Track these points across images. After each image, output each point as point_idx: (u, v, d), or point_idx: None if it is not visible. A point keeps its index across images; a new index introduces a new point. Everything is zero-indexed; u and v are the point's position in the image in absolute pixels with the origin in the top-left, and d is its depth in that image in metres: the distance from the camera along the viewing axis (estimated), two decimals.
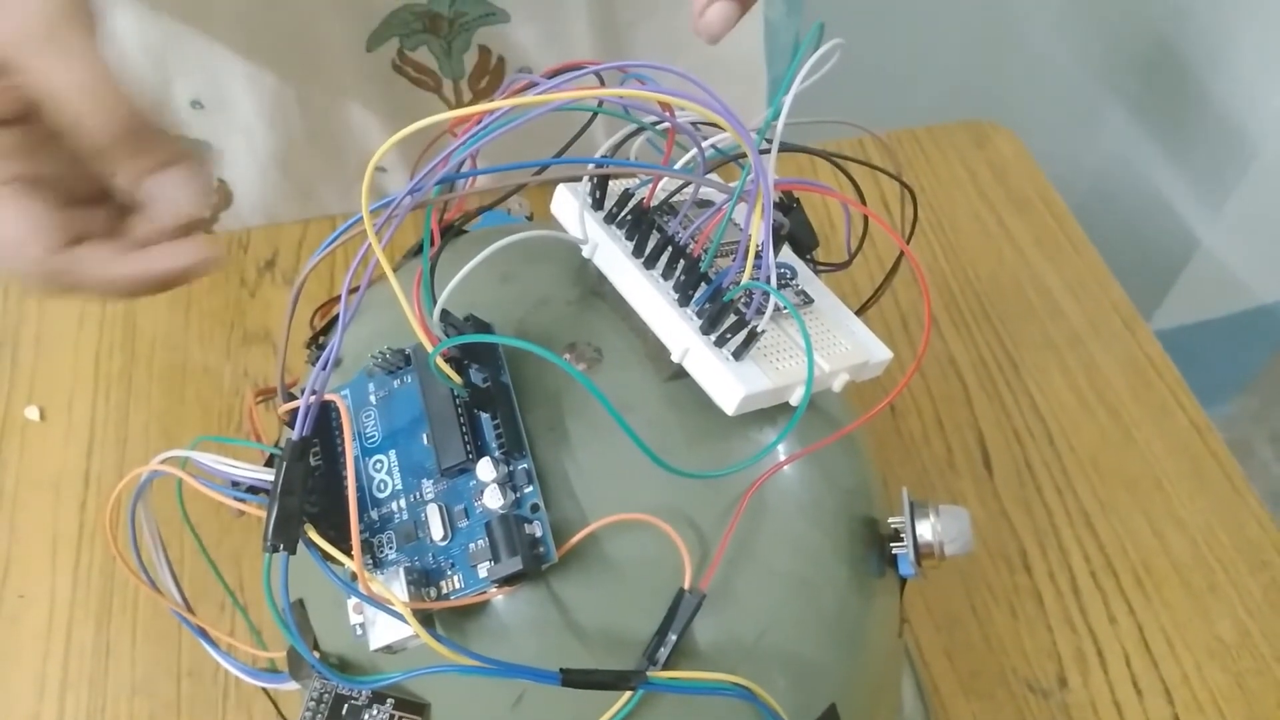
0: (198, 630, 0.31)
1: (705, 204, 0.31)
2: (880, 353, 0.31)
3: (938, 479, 0.49)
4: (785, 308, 0.28)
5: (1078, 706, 0.43)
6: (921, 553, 0.30)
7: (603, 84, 0.26)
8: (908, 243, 0.29)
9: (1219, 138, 1.09)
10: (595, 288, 0.31)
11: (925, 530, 0.30)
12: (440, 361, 0.25)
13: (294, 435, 0.24)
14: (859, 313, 0.33)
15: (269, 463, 0.27)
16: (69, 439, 0.50)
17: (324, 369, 0.24)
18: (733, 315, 0.27)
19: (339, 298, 0.41)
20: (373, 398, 0.29)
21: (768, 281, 0.26)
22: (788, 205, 0.33)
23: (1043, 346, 0.53)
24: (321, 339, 0.36)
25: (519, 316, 0.30)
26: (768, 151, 0.26)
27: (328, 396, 0.25)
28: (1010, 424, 0.51)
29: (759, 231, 0.26)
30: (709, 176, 0.27)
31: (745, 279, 0.27)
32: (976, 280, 0.56)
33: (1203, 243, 1.15)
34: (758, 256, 0.27)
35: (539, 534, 0.26)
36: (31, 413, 0.51)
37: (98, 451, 0.50)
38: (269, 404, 0.50)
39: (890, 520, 0.32)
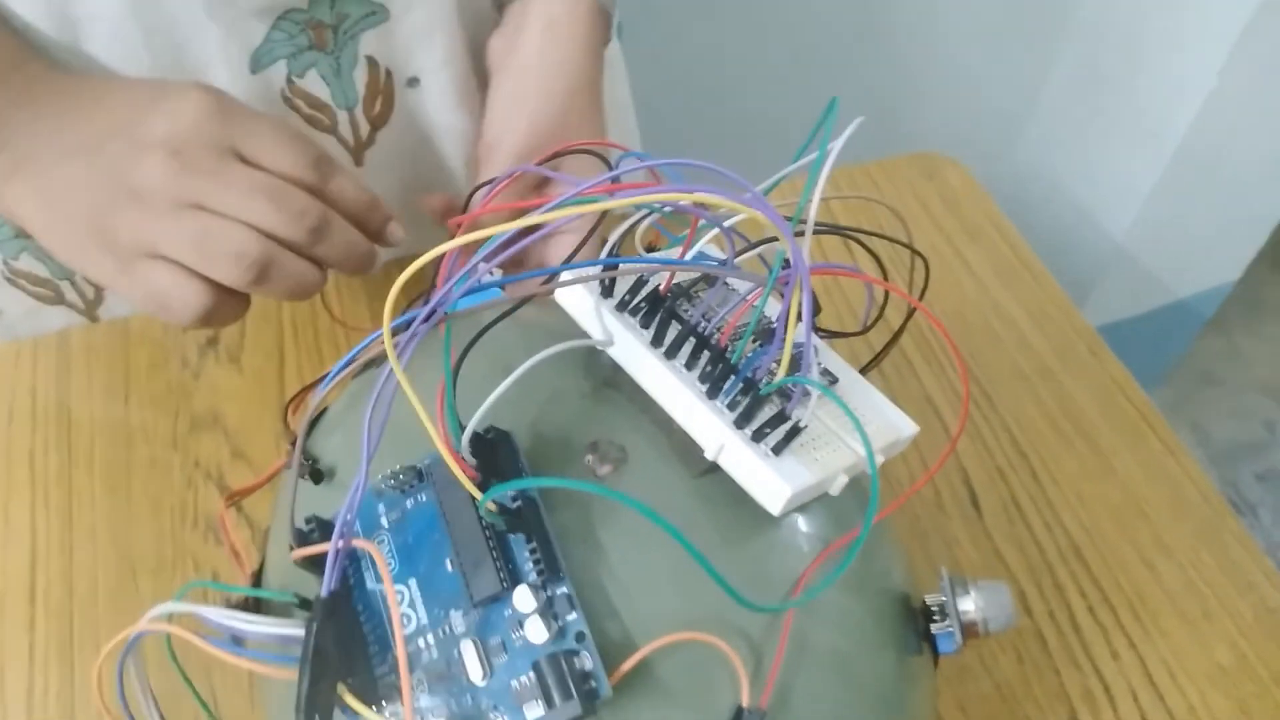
0: None
1: (710, 282, 0.30)
2: (907, 428, 0.30)
3: (929, 523, 0.48)
4: (833, 402, 0.26)
5: None
6: (966, 632, 0.29)
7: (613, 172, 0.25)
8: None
9: (1132, 144, 1.13)
10: (609, 379, 0.29)
11: (969, 607, 0.29)
12: (466, 481, 0.23)
13: (322, 590, 0.22)
14: (863, 372, 0.33)
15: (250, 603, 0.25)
16: (7, 551, 0.46)
17: (350, 514, 0.22)
18: (769, 408, 0.26)
19: (314, 385, 0.39)
20: (384, 520, 0.27)
21: (806, 373, 0.25)
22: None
23: (1014, 378, 0.53)
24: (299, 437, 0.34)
25: (532, 416, 0.29)
26: (801, 234, 0.25)
27: (358, 544, 0.23)
28: (993, 460, 0.50)
29: (797, 322, 0.24)
30: (739, 267, 0.26)
31: (782, 373, 0.25)
32: (943, 316, 0.56)
33: (1122, 246, 1.19)
34: (795, 346, 0.25)
35: (589, 666, 0.24)
36: None
37: (42, 563, 0.46)
38: (238, 508, 0.47)
39: (927, 598, 0.31)
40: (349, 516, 0.22)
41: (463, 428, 0.24)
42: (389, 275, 0.57)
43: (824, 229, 0.27)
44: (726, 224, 0.25)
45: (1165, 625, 0.46)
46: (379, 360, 0.34)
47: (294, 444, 0.34)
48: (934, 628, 0.30)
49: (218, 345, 0.54)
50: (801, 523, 0.28)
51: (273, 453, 0.49)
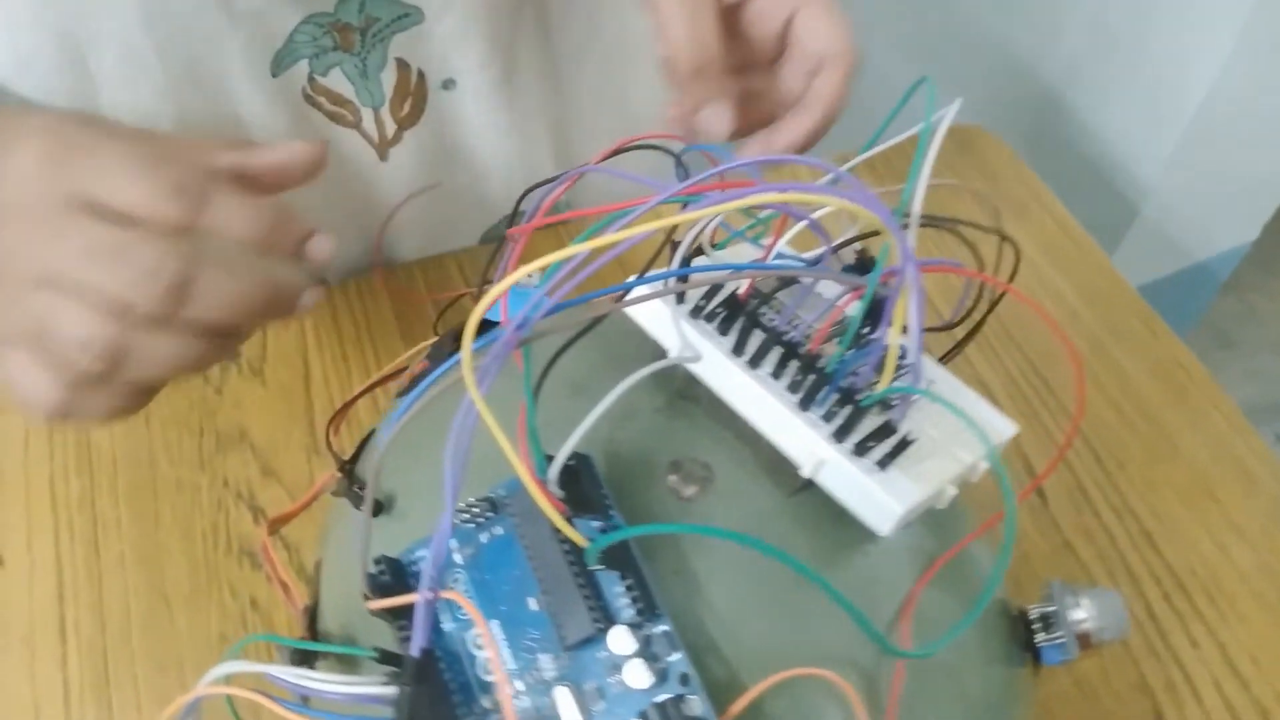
0: None
1: (786, 284, 0.27)
2: (1008, 429, 0.28)
3: (972, 514, 0.46)
4: (932, 408, 0.24)
5: None
6: (1080, 644, 0.28)
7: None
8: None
9: (1150, 108, 1.10)
10: (684, 391, 0.27)
11: (1081, 616, 0.28)
12: (563, 525, 0.21)
13: (413, 648, 0.20)
14: (943, 360, 0.31)
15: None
16: (34, 584, 0.44)
17: (436, 562, 0.20)
18: (869, 419, 0.24)
19: (350, 403, 0.37)
20: (458, 556, 0.25)
21: (916, 381, 0.23)
22: (865, 263, 0.29)
23: (1069, 358, 0.51)
24: (352, 466, 0.32)
25: (606, 434, 0.26)
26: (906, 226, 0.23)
27: (448, 596, 0.21)
28: (1055, 447, 0.48)
29: (906, 327, 0.22)
30: (831, 269, 0.23)
31: (886, 380, 0.23)
32: (991, 295, 0.53)
33: (1141, 211, 1.16)
34: (898, 354, 0.23)
35: (698, 712, 0.22)
36: None
37: (70, 596, 0.44)
38: (278, 537, 0.45)
39: (1030, 609, 0.29)
40: (434, 565, 0.20)
41: (547, 457, 0.22)
42: (410, 275, 0.55)
43: (930, 222, 0.25)
44: (817, 214, 0.23)
45: (1243, 609, 0.44)
46: (419, 381, 0.32)
47: (342, 467, 0.32)
48: (1041, 639, 0.28)
49: (239, 358, 0.51)
50: (902, 539, 0.26)
51: (303, 469, 0.47)
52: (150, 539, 0.45)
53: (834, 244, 0.23)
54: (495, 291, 0.18)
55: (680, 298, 0.26)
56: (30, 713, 0.41)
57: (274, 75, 0.45)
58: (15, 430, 0.49)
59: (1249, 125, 1.10)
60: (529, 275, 0.20)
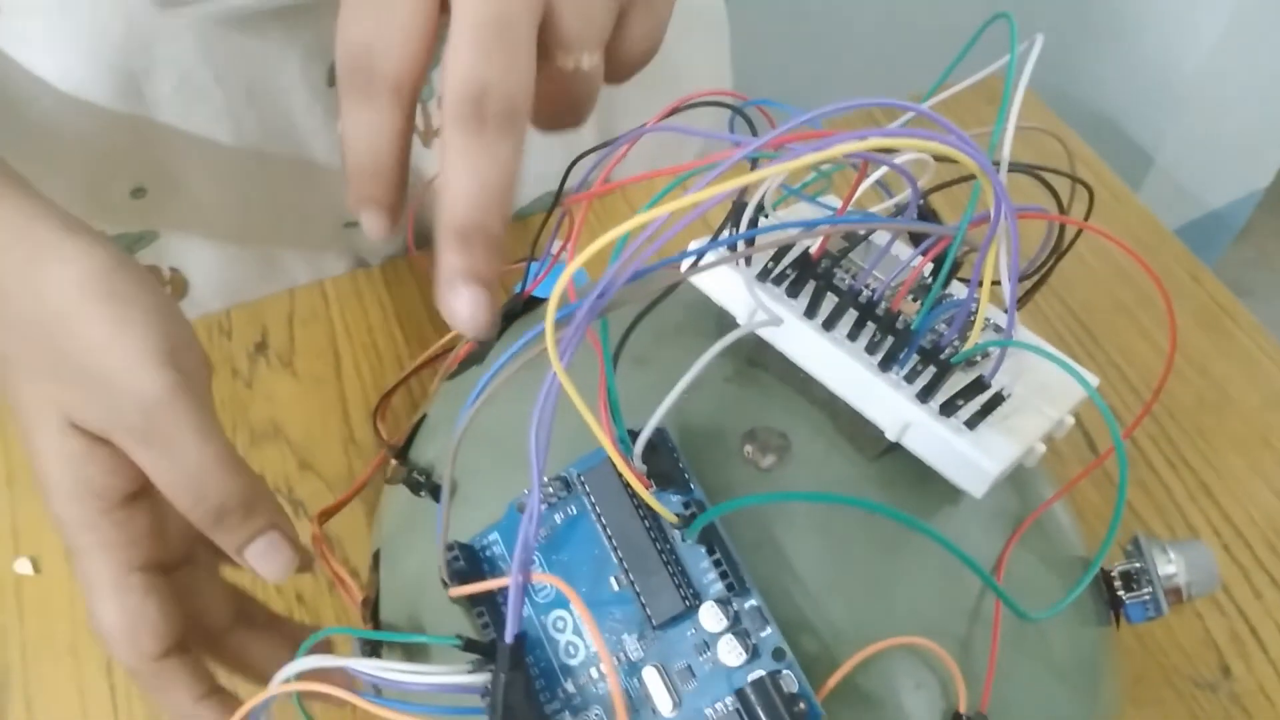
0: None
1: (854, 242, 0.26)
2: (1090, 378, 0.27)
3: (1047, 471, 0.45)
4: (1016, 363, 0.23)
5: (1248, 694, 0.40)
6: (1170, 599, 0.27)
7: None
8: None
9: (1162, 49, 1.09)
10: (753, 358, 0.26)
11: (1170, 570, 0.27)
12: (653, 501, 0.20)
13: (507, 635, 0.19)
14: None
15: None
16: (75, 590, 0.43)
17: (529, 545, 0.19)
18: (959, 377, 0.23)
19: (395, 389, 0.36)
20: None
21: (1010, 335, 0.22)
22: (928, 217, 0.28)
23: (1114, 311, 0.50)
24: (405, 452, 0.31)
25: (676, 406, 0.25)
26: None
27: (540, 579, 0.20)
28: (1105, 399, 0.47)
29: (998, 277, 0.21)
30: (938, 219, 0.22)
31: (976, 336, 0.22)
32: (1030, 249, 0.52)
33: (1155, 159, 1.15)
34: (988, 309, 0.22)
35: (796, 687, 0.21)
36: (23, 566, 0.44)
37: None
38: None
39: (1114, 567, 0.28)
40: (525, 548, 0.19)
41: (628, 432, 0.21)
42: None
43: (1019, 168, 0.24)
44: (898, 161, 0.22)
45: None
46: (479, 359, 0.31)
47: (396, 455, 0.31)
48: (1127, 596, 0.27)
49: (267, 350, 0.50)
50: (987, 500, 0.25)
51: (341, 460, 0.46)
52: None
53: (920, 192, 0.22)
54: (586, 253, 0.17)
55: (747, 261, 0.25)
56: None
57: (330, 84, 0.44)
58: None
59: (1261, 68, 1.09)
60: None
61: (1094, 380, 0.27)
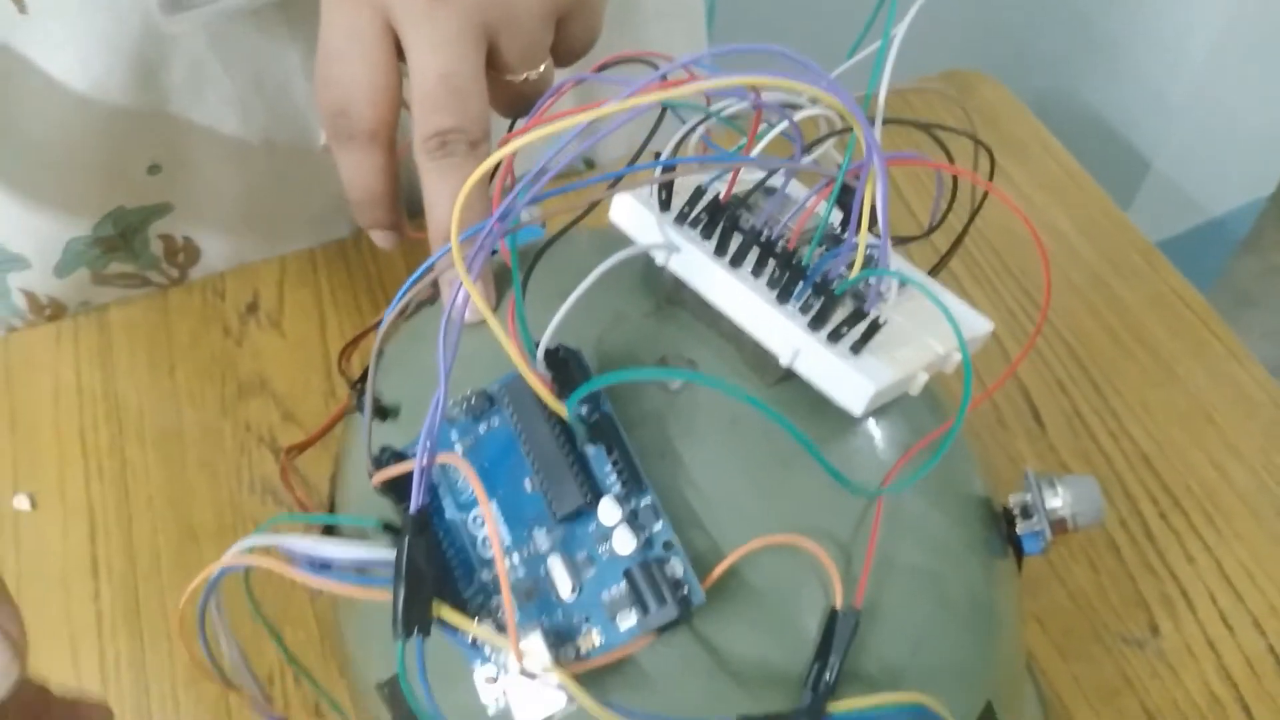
0: None
1: (770, 191, 0.29)
2: (981, 325, 0.29)
3: (991, 440, 0.47)
4: (907, 302, 0.25)
5: (1174, 651, 0.42)
6: (1055, 529, 0.29)
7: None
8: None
9: (1160, 53, 1.10)
10: (671, 296, 0.29)
11: (1056, 503, 0.29)
12: (545, 394, 0.23)
13: (411, 506, 0.21)
14: (931, 274, 0.32)
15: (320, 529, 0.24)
16: (68, 526, 0.46)
17: (433, 432, 0.21)
18: (843, 309, 0.25)
19: (361, 336, 0.38)
20: (458, 446, 0.26)
21: (879, 264, 0.24)
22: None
23: (1066, 291, 0.52)
24: (362, 385, 0.33)
25: (595, 336, 0.28)
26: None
27: (445, 458, 0.23)
28: (1052, 374, 0.49)
29: (874, 214, 0.24)
30: (807, 160, 0.25)
31: (858, 269, 0.25)
32: (988, 230, 0.54)
33: (1153, 165, 1.16)
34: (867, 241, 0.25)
35: (680, 574, 0.23)
36: (21, 502, 0.47)
37: (102, 536, 0.46)
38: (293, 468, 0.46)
39: (1011, 498, 0.30)
40: (432, 433, 0.21)
41: (535, 344, 0.23)
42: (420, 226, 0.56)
43: (894, 120, 0.26)
44: (796, 118, 0.24)
45: (1240, 528, 0.45)
46: (431, 301, 0.34)
47: (353, 386, 0.33)
48: (1019, 528, 0.29)
49: (258, 311, 0.53)
50: (880, 427, 0.28)
51: (322, 412, 0.49)
52: (178, 481, 0.47)
53: (802, 137, 0.24)
54: (485, 166, 0.20)
55: (666, 206, 0.28)
56: (66, 645, 0.43)
57: None
58: (44, 385, 0.51)
59: (1259, 74, 1.10)
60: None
61: (987, 326, 0.29)
